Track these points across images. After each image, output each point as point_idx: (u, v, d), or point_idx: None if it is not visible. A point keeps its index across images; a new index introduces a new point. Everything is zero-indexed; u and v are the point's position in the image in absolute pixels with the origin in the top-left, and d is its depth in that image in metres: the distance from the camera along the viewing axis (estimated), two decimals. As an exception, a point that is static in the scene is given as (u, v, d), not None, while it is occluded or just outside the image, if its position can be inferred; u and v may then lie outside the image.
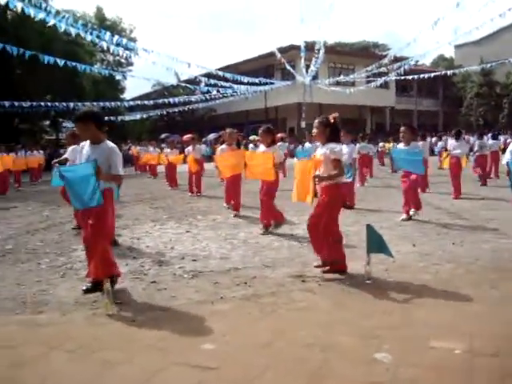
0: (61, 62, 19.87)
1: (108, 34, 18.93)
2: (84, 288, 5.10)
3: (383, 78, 31.37)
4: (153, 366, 3.45)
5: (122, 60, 47.22)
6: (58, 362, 3.59)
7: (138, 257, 6.66)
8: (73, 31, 16.91)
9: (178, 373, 3.36)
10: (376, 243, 5.35)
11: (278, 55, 31.50)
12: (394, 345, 3.64)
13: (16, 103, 25.95)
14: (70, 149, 8.60)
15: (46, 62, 19.32)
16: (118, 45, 20.12)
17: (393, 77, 31.70)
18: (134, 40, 45.92)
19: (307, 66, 34.76)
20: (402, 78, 28.63)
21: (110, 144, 5.11)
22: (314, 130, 5.64)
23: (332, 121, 5.57)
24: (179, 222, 9.48)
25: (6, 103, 25.62)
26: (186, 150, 16.17)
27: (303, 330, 4.01)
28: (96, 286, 4.97)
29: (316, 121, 5.64)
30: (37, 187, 20.35)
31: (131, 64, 48.38)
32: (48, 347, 3.81)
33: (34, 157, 24.08)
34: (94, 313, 4.54)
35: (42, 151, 26.83)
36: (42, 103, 27.96)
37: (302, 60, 33.00)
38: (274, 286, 5.25)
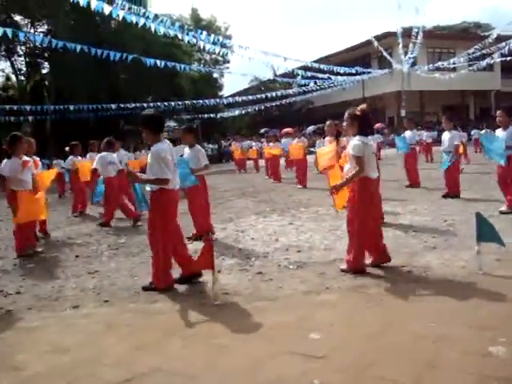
0: (161, 64, 20.62)
1: (204, 33, 19.39)
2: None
3: (486, 60, 29.70)
4: (262, 353, 3.55)
5: (219, 58, 48.06)
6: (174, 347, 3.78)
7: (243, 249, 6.80)
8: (171, 33, 17.46)
9: (286, 361, 3.42)
10: (487, 232, 5.13)
11: (375, 43, 30.87)
12: (509, 338, 3.50)
13: (122, 105, 27.27)
14: (99, 156, 9.27)
15: (147, 64, 20.12)
16: (214, 43, 20.56)
17: (497, 58, 30.05)
18: (229, 37, 46.77)
19: (405, 53, 33.81)
20: (508, 58, 27.06)
21: (154, 147, 5.13)
22: (344, 123, 5.53)
23: (359, 113, 5.36)
24: (282, 215, 9.57)
25: (113, 106, 27.04)
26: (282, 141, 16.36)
27: (413, 321, 3.95)
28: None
29: (346, 113, 5.49)
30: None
31: (228, 61, 49.12)
32: (164, 333, 4.02)
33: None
34: (202, 303, 4.71)
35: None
36: (145, 104, 29.17)
37: (400, 46, 32.03)
38: (379, 276, 5.20)
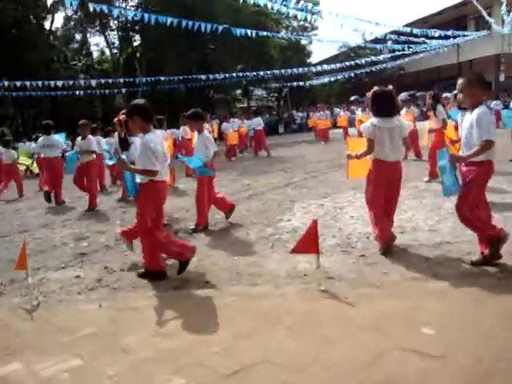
0: (251, 34, 20.46)
1: (293, 1, 18.95)
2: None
3: None
4: (373, 347, 3.38)
5: (307, 24, 47.21)
6: (277, 336, 3.68)
7: (343, 228, 6.57)
8: (261, 1, 17.15)
9: (400, 358, 3.23)
10: None
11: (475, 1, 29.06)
12: None
13: (211, 76, 27.43)
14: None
15: (237, 35, 20.06)
16: (302, 10, 20.12)
17: None
18: (317, 3, 45.81)
19: (508, 12, 31.71)
20: None
21: (144, 137, 4.99)
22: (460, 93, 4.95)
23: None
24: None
25: (203, 77, 27.24)
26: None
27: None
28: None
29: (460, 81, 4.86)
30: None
31: (316, 28, 48.14)
32: (267, 321, 3.94)
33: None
34: (305, 287, 4.58)
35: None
36: (234, 74, 29.18)
37: (504, 6, 29.95)
38: (492, 264, 4.85)
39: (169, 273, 5.22)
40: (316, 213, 7.56)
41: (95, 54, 45.22)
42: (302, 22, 45.95)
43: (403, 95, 40.26)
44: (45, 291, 5.04)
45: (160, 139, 5.19)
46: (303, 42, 45.99)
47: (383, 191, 5.45)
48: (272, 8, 18.61)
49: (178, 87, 31.39)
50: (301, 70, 31.47)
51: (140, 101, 5.31)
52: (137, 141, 5.88)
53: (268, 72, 30.34)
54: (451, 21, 41.13)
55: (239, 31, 20.19)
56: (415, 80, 48.69)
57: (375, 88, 5.49)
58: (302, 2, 19.33)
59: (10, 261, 6.20)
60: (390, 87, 5.52)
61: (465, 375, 2.99)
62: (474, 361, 3.11)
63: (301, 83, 34.90)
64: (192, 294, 4.62)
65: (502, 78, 36.41)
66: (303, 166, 14.15)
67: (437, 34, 29.04)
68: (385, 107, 5.38)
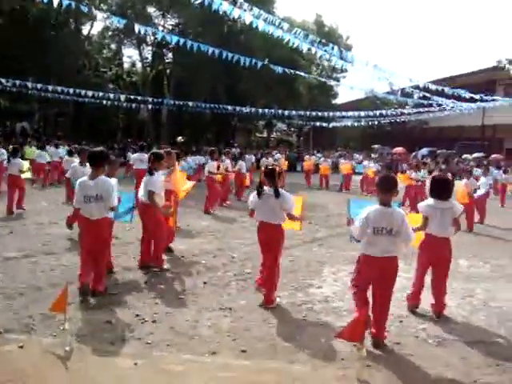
0: (284, 70, 20.72)
1: (331, 47, 19.11)
2: None
3: None
4: None
5: (337, 66, 47.67)
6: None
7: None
8: (295, 42, 17.28)
9: None
10: None
11: (511, 67, 29.22)
12: None
13: (238, 108, 27.66)
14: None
15: (275, 72, 20.28)
16: (334, 55, 20.34)
17: None
18: (349, 47, 46.33)
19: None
20: None
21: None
22: None
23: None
24: (407, 262, 9.08)
25: (229, 107, 27.45)
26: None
27: None
28: None
29: None
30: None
31: (345, 70, 48.57)
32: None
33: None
34: (343, 374, 4.47)
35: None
36: (260, 110, 29.40)
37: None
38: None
39: (205, 333, 5.15)
40: (346, 281, 7.40)
41: (126, 66, 45.74)
42: (331, 64, 46.55)
43: (424, 151, 40.66)
44: (77, 334, 4.97)
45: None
46: (332, 82, 46.42)
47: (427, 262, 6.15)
48: (308, 49, 18.77)
49: (203, 111, 31.62)
50: (326, 113, 31.61)
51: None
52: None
53: (294, 112, 30.61)
54: (481, 83, 41.35)
55: (276, 68, 20.45)
56: (437, 136, 48.95)
57: (435, 173, 5.84)
58: (335, 48, 19.58)
59: (36, 289, 6.16)
60: (450, 175, 5.75)
61: None
62: None
63: (324, 124, 35.09)
64: (229, 365, 4.51)
65: (524, 148, 36.47)
66: (326, 218, 13.90)
67: (467, 96, 29.15)
68: (439, 191, 6.05)
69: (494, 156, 39.18)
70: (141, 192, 7.36)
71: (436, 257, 6.08)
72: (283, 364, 4.61)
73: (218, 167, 14.47)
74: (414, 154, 42.35)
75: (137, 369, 4.33)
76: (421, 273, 6.22)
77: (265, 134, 48.67)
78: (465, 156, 40.70)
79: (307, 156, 27.07)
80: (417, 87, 26.73)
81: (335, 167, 30.58)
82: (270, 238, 6.13)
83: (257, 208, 6.15)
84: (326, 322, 5.76)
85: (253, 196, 6.17)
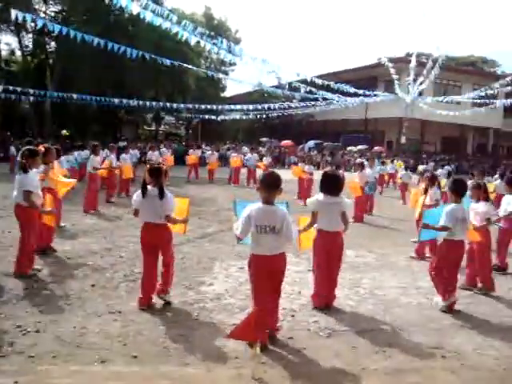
0: (172, 63, 20.56)
1: (221, 40, 19.11)
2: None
3: (495, 101, 29.82)
4: None
5: (226, 59, 47.78)
6: None
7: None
8: (184, 35, 17.07)
9: None
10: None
11: (389, 65, 30.74)
12: None
13: (124, 101, 26.89)
14: None
15: (160, 63, 19.92)
16: (223, 49, 20.39)
17: (501, 100, 30.43)
18: (238, 41, 46.66)
19: (413, 81, 33.97)
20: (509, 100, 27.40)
21: None
22: None
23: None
24: (298, 256, 9.26)
25: (116, 100, 26.63)
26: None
27: None
28: None
29: None
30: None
31: (234, 64, 48.78)
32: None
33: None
34: (238, 373, 4.46)
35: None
36: (148, 103, 28.79)
37: (412, 75, 31.92)
38: (415, 357, 5.04)
39: (94, 340, 4.92)
40: (237, 278, 7.46)
41: (3, 53, 42.96)
42: (220, 56, 46.55)
43: (311, 143, 41.86)
44: None
45: None
46: (220, 75, 46.48)
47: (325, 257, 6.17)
48: (197, 42, 18.64)
49: (89, 103, 30.46)
50: (215, 106, 31.61)
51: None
52: None
53: (182, 105, 30.33)
54: (363, 79, 43.30)
55: (164, 60, 20.15)
56: (323, 128, 50.66)
57: (327, 169, 6.19)
58: (225, 42, 19.60)
59: None
60: (341, 172, 5.86)
61: None
62: None
63: (213, 117, 35.06)
64: (120, 373, 4.32)
65: (403, 140, 38.73)
66: (216, 213, 13.78)
67: (351, 91, 30.38)
68: (329, 187, 6.17)
69: (376, 148, 41.22)
70: (14, 192, 6.84)
71: (329, 251, 6.17)
72: (176, 368, 4.50)
73: (103, 162, 13.97)
74: (301, 146, 43.55)
75: None
76: (322, 269, 6.24)
77: (153, 127, 47.83)
78: (349, 148, 42.47)
79: (191, 150, 26.61)
80: (304, 81, 27.45)
81: (224, 160, 30.75)
82: (157, 239, 5.93)
83: (141, 208, 5.91)
84: (219, 320, 5.71)
85: (136, 195, 5.90)
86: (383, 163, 26.42)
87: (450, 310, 6.45)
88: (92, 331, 5.11)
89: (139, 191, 5.87)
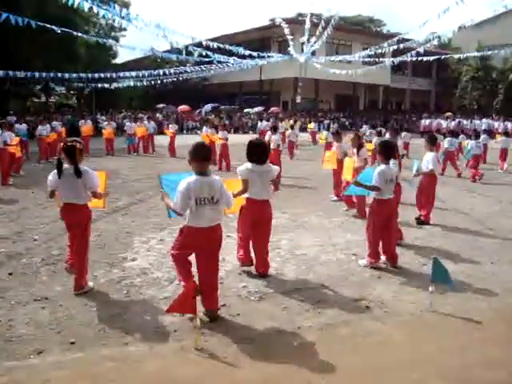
0: (57, 30, 19.54)
1: (112, 5, 18.41)
2: None
3: (384, 60, 30.99)
4: None
5: (115, 24, 45.99)
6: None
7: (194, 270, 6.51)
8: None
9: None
10: (440, 274, 5.36)
11: (284, 25, 30.90)
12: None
13: (11, 73, 25.25)
14: None
15: (39, 27, 18.83)
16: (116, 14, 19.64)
17: (389, 58, 31.73)
18: (127, 5, 44.92)
19: (307, 41, 34.43)
20: (398, 59, 28.68)
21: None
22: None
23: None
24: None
25: (1, 72, 24.93)
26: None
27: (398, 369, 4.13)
28: None
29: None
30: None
31: (124, 29, 47.09)
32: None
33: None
34: (181, 346, 4.48)
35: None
36: (37, 74, 27.14)
37: (306, 36, 32.27)
38: (342, 312, 5.32)
39: (25, 331, 4.70)
40: (159, 250, 7.39)
41: None
42: (110, 22, 44.73)
43: (208, 107, 41.52)
44: None
45: None
46: (110, 41, 44.75)
47: (251, 225, 6.24)
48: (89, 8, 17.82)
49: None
50: (108, 74, 30.43)
51: None
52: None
53: (74, 75, 28.95)
54: (256, 40, 43.35)
55: (43, 25, 19.05)
56: (219, 91, 50.47)
57: (252, 139, 6.22)
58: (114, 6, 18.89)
59: None
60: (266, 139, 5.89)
61: None
62: None
63: (106, 85, 33.83)
64: (61, 361, 4.17)
65: (298, 99, 39.42)
66: (122, 185, 13.40)
67: (247, 53, 30.33)
68: (258, 156, 6.10)
69: (272, 109, 41.73)
70: None
71: (258, 219, 6.24)
72: (117, 348, 4.44)
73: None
74: (198, 110, 43.21)
75: None
76: (246, 235, 6.40)
77: (43, 99, 45.44)
78: (246, 110, 42.69)
79: (82, 121, 25.50)
80: (198, 45, 27.04)
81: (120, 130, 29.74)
82: (76, 220, 5.68)
83: (58, 188, 5.63)
84: (150, 295, 5.67)
85: (52, 175, 5.60)
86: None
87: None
88: (20, 322, 4.88)
89: (55, 171, 5.57)
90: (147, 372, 4.07)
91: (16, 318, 4.98)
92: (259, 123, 32.57)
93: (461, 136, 20.79)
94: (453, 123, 37.61)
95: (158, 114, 40.15)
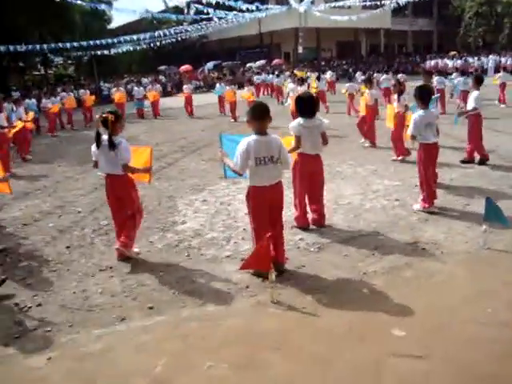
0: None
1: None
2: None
3: (382, 6, 30.45)
4: (363, 357, 3.62)
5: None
6: (274, 362, 3.65)
7: (247, 228, 6.57)
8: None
9: (394, 364, 3.51)
10: (494, 213, 5.39)
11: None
12: None
13: (11, 47, 25.04)
14: None
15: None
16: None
17: (387, 1, 31.19)
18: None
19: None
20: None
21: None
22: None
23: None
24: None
25: (1, 48, 24.72)
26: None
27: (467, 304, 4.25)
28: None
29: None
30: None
31: (115, -9, 46.03)
32: (249, 346, 3.89)
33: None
34: (257, 301, 4.59)
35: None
36: (38, 46, 26.85)
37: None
38: (405, 256, 5.40)
39: (101, 300, 4.81)
40: (206, 211, 7.47)
41: None
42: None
43: (210, 65, 41.02)
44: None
45: None
46: (103, 6, 43.95)
47: (306, 180, 6.25)
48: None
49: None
50: (109, 40, 30.11)
51: None
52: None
53: (74, 44, 28.62)
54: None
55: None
56: (219, 48, 49.84)
57: (300, 93, 6.18)
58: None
59: None
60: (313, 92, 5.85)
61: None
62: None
63: (105, 52, 33.49)
64: (146, 326, 4.27)
65: (300, 49, 38.91)
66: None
67: (244, 7, 29.87)
68: (309, 109, 6.04)
69: (275, 61, 41.24)
70: None
71: (312, 173, 6.28)
72: (196, 308, 4.54)
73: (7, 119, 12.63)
74: (200, 69, 42.76)
75: (53, 363, 3.85)
76: (302, 193, 6.37)
77: (42, 72, 44.93)
78: (249, 65, 42.21)
79: (82, 90, 25.34)
80: (196, 2, 26.62)
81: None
82: (119, 190, 5.70)
83: (99, 159, 5.66)
84: (212, 255, 5.77)
85: (93, 146, 5.64)
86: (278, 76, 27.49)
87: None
88: (94, 292, 4.99)
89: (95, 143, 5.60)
90: (231, 328, 4.17)
91: (89, 289, 5.09)
92: (255, 77, 32.13)
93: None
94: (459, 62, 37.09)
95: (160, 76, 39.74)
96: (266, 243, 4.49)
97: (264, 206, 5.00)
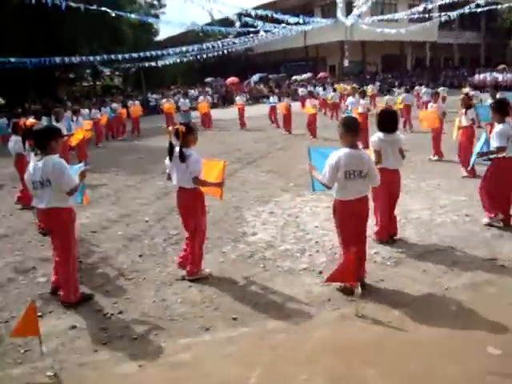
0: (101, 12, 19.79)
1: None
2: None
3: (430, 19, 30.09)
4: (460, 376, 3.54)
5: (154, 2, 45.98)
6: (371, 377, 3.61)
7: (319, 241, 6.53)
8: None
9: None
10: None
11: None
12: None
13: (67, 59, 25.64)
14: None
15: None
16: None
17: (436, 13, 30.79)
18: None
19: (350, 3, 33.72)
20: (444, 13, 27.79)
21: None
22: None
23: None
24: (313, 192, 9.28)
25: (57, 59, 25.29)
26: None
27: None
28: None
29: None
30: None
31: (164, 6, 46.87)
32: (344, 360, 3.83)
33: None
34: (340, 314, 4.54)
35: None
36: (91, 58, 27.39)
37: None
38: (492, 274, 5.27)
39: (182, 310, 4.81)
40: (275, 223, 7.44)
41: None
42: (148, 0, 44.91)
43: (256, 77, 41.07)
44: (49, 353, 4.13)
45: None
46: (150, 19, 44.68)
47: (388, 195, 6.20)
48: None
49: (24, 65, 28.64)
50: (159, 52, 30.58)
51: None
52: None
53: (126, 56, 29.16)
54: (298, 6, 42.63)
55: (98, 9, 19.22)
56: (263, 61, 50.07)
57: (383, 108, 6.27)
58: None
59: None
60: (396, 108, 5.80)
61: None
62: None
63: (153, 63, 33.98)
64: (231, 337, 4.27)
65: (346, 63, 38.85)
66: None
67: (291, 20, 29.94)
68: (389, 124, 6.08)
69: (321, 74, 41.23)
70: None
71: (392, 189, 6.21)
72: (280, 321, 4.51)
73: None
74: (247, 81, 43.05)
75: (144, 371, 3.87)
76: (384, 207, 6.27)
77: (90, 83, 46.00)
78: (294, 77, 42.30)
79: (130, 101, 25.85)
80: (242, 14, 26.80)
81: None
82: (186, 204, 5.56)
83: (171, 172, 5.57)
84: (288, 267, 5.73)
85: (167, 159, 5.56)
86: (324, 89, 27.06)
87: (492, 225, 6.70)
88: (174, 302, 5.00)
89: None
90: (320, 340, 4.14)
91: (168, 298, 5.10)
92: (300, 89, 31.93)
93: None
94: (509, 75, 36.31)
95: (207, 88, 40.13)
96: (353, 257, 4.43)
97: (350, 219, 4.93)
